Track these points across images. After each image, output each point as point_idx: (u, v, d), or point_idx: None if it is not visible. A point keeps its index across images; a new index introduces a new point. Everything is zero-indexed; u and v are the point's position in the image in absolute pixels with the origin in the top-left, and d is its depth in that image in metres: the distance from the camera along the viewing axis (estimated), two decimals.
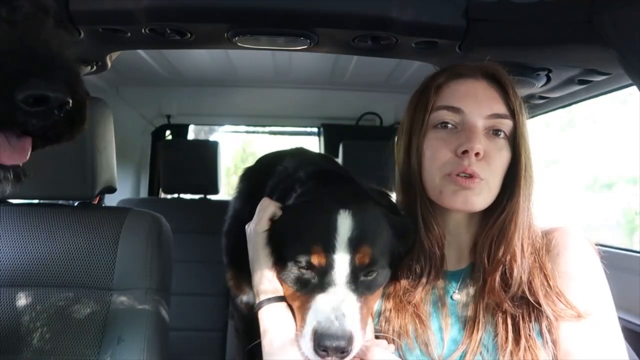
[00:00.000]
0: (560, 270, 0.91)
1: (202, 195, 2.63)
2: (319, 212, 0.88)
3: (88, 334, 1.15)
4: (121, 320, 1.16)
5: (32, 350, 1.12)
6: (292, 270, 0.87)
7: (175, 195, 2.68)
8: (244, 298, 1.26)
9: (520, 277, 0.88)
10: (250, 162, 1.39)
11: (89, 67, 1.37)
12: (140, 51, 2.02)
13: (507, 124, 0.93)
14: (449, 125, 0.93)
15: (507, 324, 0.87)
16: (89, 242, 1.23)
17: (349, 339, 0.79)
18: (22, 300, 1.17)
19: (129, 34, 1.15)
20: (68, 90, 0.64)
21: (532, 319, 0.87)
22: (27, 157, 0.70)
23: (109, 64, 1.40)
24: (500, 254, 0.90)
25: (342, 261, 0.83)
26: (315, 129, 3.02)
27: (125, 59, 2.00)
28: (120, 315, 1.17)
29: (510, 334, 0.86)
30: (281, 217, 0.93)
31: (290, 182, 1.05)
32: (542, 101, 1.52)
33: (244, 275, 1.23)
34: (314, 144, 3.00)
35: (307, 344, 0.81)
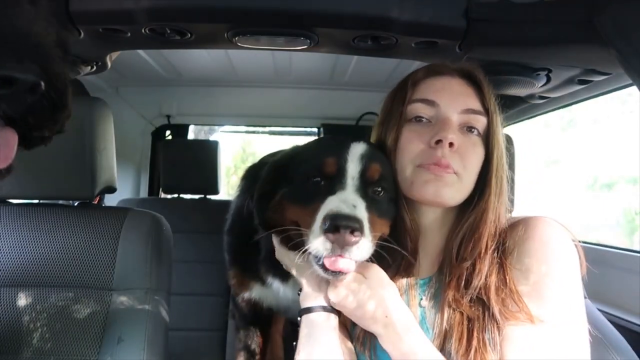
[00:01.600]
0: (520, 263, 0.87)
1: (202, 195, 2.63)
2: (331, 140, 0.95)
3: (88, 334, 1.15)
4: (121, 320, 1.17)
5: (32, 350, 1.12)
6: (302, 187, 0.89)
7: (175, 195, 2.68)
8: (246, 295, 1.26)
9: (480, 276, 0.87)
10: (251, 162, 1.39)
11: (89, 67, 1.37)
12: (140, 51, 2.02)
13: (481, 121, 0.93)
14: (424, 119, 0.94)
15: (462, 326, 0.85)
16: (89, 242, 1.23)
17: (360, 223, 0.78)
18: (22, 300, 1.17)
19: (129, 34, 1.15)
20: (40, 73, 0.61)
21: (486, 321, 0.84)
22: (13, 152, 0.67)
23: (109, 64, 1.40)
24: (469, 251, 0.89)
25: (352, 171, 0.86)
26: (315, 129, 3.02)
27: (125, 59, 2.00)
28: (120, 315, 1.17)
29: (465, 336, 0.84)
30: (290, 158, 0.96)
31: None
32: (542, 101, 1.52)
33: (248, 271, 1.23)
34: None
35: (317, 237, 0.79)
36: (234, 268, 1.28)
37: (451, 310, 0.87)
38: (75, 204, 1.35)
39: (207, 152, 2.64)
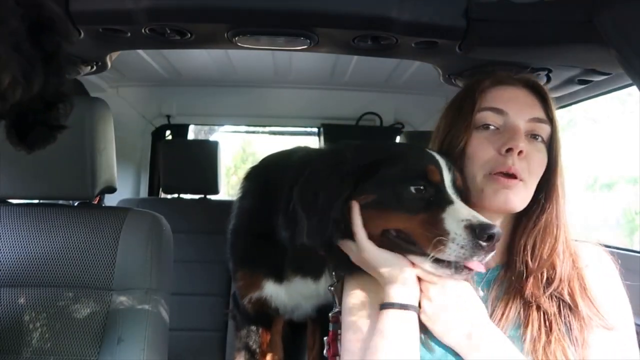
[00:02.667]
0: (590, 282, 0.95)
1: (202, 195, 2.63)
2: (413, 149, 0.97)
3: (88, 334, 1.15)
4: (121, 320, 1.17)
5: (32, 350, 1.12)
6: (406, 195, 0.89)
7: (175, 195, 2.68)
8: (256, 295, 1.25)
9: (561, 276, 0.93)
10: (251, 162, 1.39)
11: (89, 67, 1.37)
12: (140, 51, 2.02)
13: (545, 129, 0.98)
14: (492, 127, 0.98)
15: (540, 319, 0.90)
16: (89, 242, 1.23)
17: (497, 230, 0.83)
18: (22, 300, 1.17)
19: (129, 34, 1.15)
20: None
21: (562, 317, 0.91)
22: None
23: (109, 64, 1.40)
24: (546, 251, 0.95)
25: (447, 180, 0.91)
26: (315, 129, 3.02)
27: (125, 59, 2.00)
28: (120, 315, 1.17)
29: (543, 328, 0.89)
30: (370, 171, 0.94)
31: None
32: None
33: (259, 270, 1.23)
34: (314, 144, 3.00)
35: (458, 245, 0.83)
36: (243, 269, 1.27)
37: (526, 305, 0.92)
38: (75, 204, 1.35)
39: (207, 152, 2.64)
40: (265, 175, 1.24)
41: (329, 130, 2.83)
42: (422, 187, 0.90)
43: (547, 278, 0.94)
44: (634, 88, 0.91)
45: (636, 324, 1.44)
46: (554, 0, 0.97)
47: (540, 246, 0.96)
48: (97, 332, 1.16)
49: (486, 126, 0.98)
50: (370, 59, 1.86)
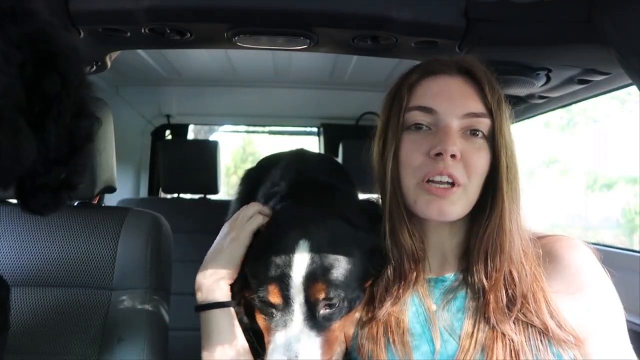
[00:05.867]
0: (568, 283, 0.85)
1: (202, 195, 2.63)
2: (280, 243, 0.86)
3: (88, 334, 1.15)
4: (121, 320, 1.16)
5: (31, 350, 1.12)
6: (257, 300, 0.87)
7: (175, 195, 2.68)
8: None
9: (523, 292, 0.83)
10: (251, 162, 1.39)
11: (89, 67, 1.37)
12: (140, 51, 2.02)
13: (485, 123, 0.86)
14: (423, 127, 0.87)
15: (506, 349, 0.81)
16: (89, 242, 1.23)
17: None
18: (22, 300, 1.17)
19: (129, 34, 1.15)
20: None
21: (531, 344, 0.81)
22: None
23: (109, 64, 1.39)
24: (498, 266, 0.84)
25: (298, 299, 0.83)
26: (315, 129, 3.02)
27: (125, 59, 2.00)
28: (120, 315, 1.17)
29: (508, 359, 0.80)
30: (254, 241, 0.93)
31: (272, 194, 1.05)
32: (542, 101, 1.52)
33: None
34: (314, 144, 3.01)
35: None
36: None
37: (491, 329, 0.83)
38: (75, 204, 1.35)
39: (207, 152, 2.64)
40: (255, 179, 1.23)
41: (329, 130, 2.83)
42: (265, 303, 0.85)
43: (509, 297, 0.84)
44: (634, 88, 0.91)
45: (636, 324, 1.44)
46: (553, 0, 0.97)
47: (493, 257, 0.84)
48: (97, 332, 1.15)
49: (418, 126, 0.87)
50: (370, 59, 1.85)
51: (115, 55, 1.38)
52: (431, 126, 0.87)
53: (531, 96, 1.47)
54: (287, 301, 0.83)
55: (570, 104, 1.60)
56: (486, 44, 1.09)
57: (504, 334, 0.81)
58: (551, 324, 0.81)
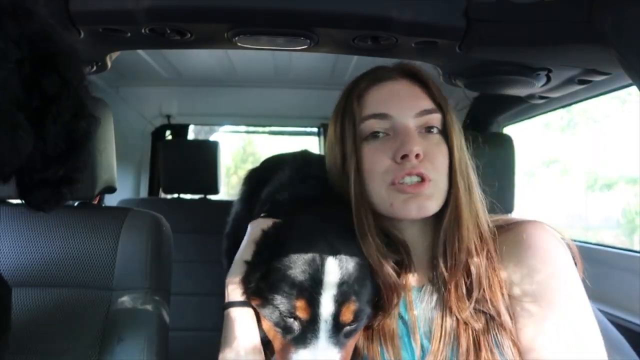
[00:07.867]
0: (522, 267, 0.86)
1: (202, 195, 2.63)
2: (305, 257, 0.82)
3: (88, 334, 1.15)
4: (121, 320, 1.16)
5: (31, 350, 1.12)
6: (274, 313, 0.83)
7: (175, 195, 2.68)
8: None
9: (480, 279, 0.85)
10: (251, 162, 1.39)
11: (89, 67, 1.37)
12: (140, 51, 2.02)
13: (437, 118, 0.90)
14: (380, 134, 0.89)
15: (469, 338, 0.83)
16: (89, 242, 1.23)
17: None
18: (21, 300, 1.17)
19: (129, 34, 1.15)
20: None
21: (491, 332, 0.83)
22: None
23: (109, 64, 1.40)
24: (455, 255, 0.86)
25: (325, 316, 0.80)
26: (315, 129, 3.02)
27: (125, 59, 2.00)
28: (120, 315, 1.17)
29: (472, 349, 0.82)
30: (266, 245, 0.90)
31: (278, 197, 1.03)
32: (542, 101, 1.52)
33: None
34: (314, 144, 3.01)
35: None
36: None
37: (454, 320, 0.85)
38: (75, 204, 1.35)
39: (207, 152, 2.64)
40: (257, 179, 1.23)
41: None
42: (289, 317, 0.82)
43: (467, 286, 0.85)
44: (634, 88, 0.91)
45: (636, 324, 1.45)
46: (554, 0, 0.97)
47: (450, 250, 0.86)
48: (97, 332, 1.15)
49: (375, 134, 0.89)
50: (370, 59, 1.85)
51: (115, 55, 1.38)
52: (388, 131, 0.89)
53: (531, 96, 1.48)
54: (314, 318, 0.81)
55: (570, 104, 1.60)
56: (486, 44, 1.09)
57: (465, 323, 0.84)
58: (503, 311, 0.83)
